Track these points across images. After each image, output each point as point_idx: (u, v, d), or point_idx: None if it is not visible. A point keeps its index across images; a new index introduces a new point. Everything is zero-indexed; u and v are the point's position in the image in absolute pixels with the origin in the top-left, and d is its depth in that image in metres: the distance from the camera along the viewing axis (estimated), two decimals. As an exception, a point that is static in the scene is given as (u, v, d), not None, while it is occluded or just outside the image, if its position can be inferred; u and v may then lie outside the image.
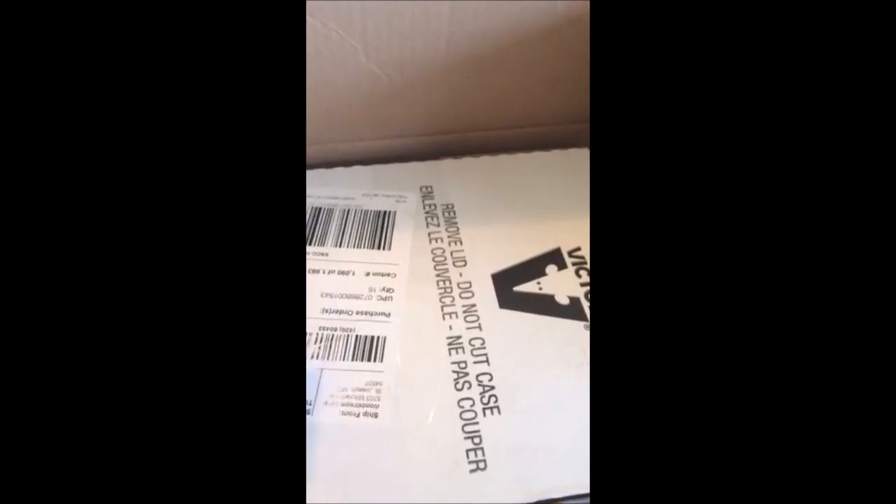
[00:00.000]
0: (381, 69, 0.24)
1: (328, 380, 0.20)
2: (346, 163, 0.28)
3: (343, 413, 0.19)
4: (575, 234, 0.25)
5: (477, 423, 0.19)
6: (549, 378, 0.21)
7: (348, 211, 0.26)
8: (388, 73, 0.25)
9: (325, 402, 0.20)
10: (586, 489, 0.18)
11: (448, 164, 0.29)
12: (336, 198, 0.27)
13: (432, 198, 0.27)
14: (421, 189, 0.27)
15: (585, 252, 0.25)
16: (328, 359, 0.21)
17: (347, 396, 0.20)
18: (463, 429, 0.19)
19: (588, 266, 0.24)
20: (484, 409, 0.20)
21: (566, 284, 0.24)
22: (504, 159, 0.29)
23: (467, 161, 0.29)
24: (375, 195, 0.27)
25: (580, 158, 0.29)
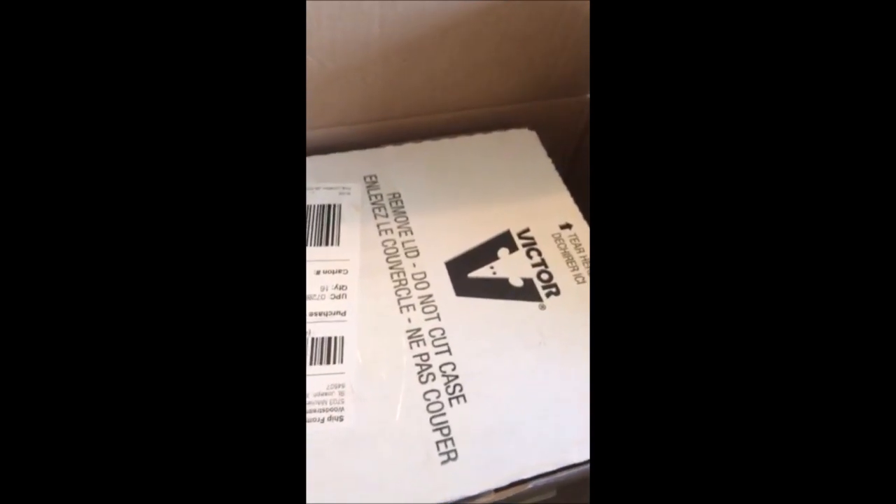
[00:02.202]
0: (310, 54, 0.23)
1: (287, 387, 0.19)
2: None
3: (307, 420, 0.19)
4: (522, 215, 0.26)
5: (444, 413, 0.19)
6: (510, 361, 0.21)
7: (290, 207, 0.25)
8: (318, 59, 0.23)
9: (287, 411, 0.19)
10: (554, 467, 0.19)
11: (389, 151, 0.28)
12: (275, 194, 0.25)
13: (377, 188, 0.26)
14: (365, 179, 0.26)
15: (534, 233, 0.25)
16: (285, 366, 0.20)
17: (310, 402, 0.19)
18: (431, 421, 0.19)
19: (538, 246, 0.25)
20: (450, 399, 0.20)
21: (518, 266, 0.24)
22: (446, 144, 0.29)
23: (409, 147, 0.28)
24: (317, 188, 0.26)
25: (522, 139, 0.29)
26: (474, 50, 0.26)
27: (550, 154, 0.29)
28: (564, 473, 0.19)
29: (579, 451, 0.19)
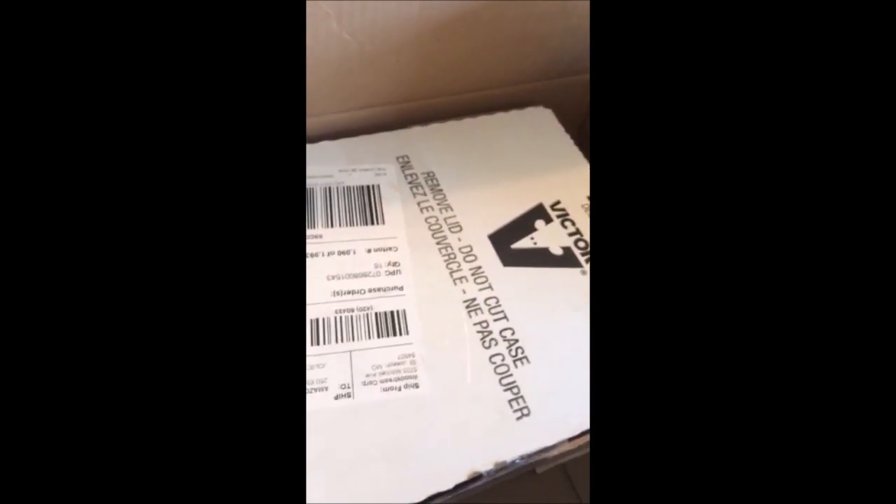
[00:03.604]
0: (352, 36, 0.23)
1: (359, 360, 0.20)
2: (311, 139, 0.27)
3: (384, 389, 0.19)
4: (552, 188, 0.27)
5: (511, 375, 0.20)
6: (562, 323, 0.22)
7: (329, 189, 0.25)
8: (359, 41, 0.23)
9: (364, 383, 0.19)
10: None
11: (417, 132, 0.28)
12: (313, 177, 0.25)
13: (411, 167, 0.27)
14: (398, 159, 0.27)
15: (565, 204, 0.26)
16: (353, 340, 0.20)
17: (384, 373, 0.20)
18: (500, 382, 0.20)
19: (570, 217, 0.26)
20: (514, 361, 0.21)
21: (556, 236, 0.25)
22: (470, 123, 0.29)
23: (435, 128, 0.29)
24: (354, 170, 0.26)
25: (539, 116, 0.30)
26: (498, 30, 0.27)
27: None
28: (628, 420, 0.20)
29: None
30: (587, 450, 0.27)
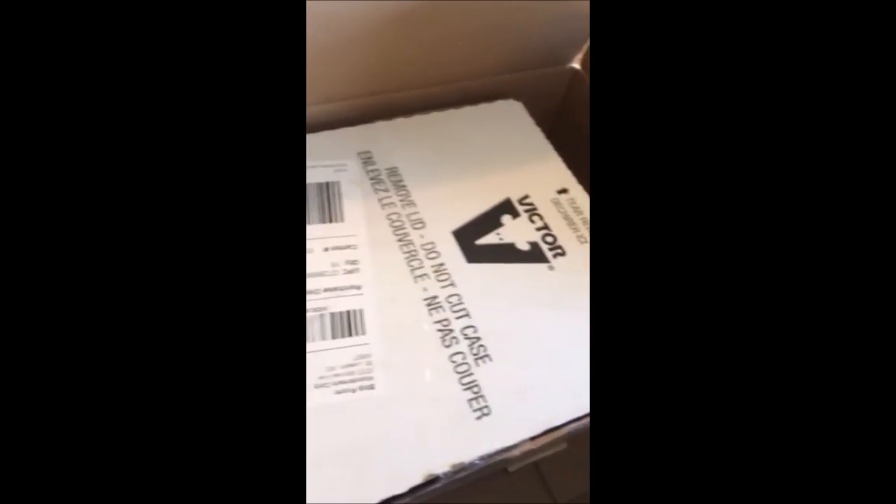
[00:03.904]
0: (307, 25, 0.22)
1: (312, 362, 0.19)
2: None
3: (338, 392, 0.19)
4: (520, 183, 0.26)
5: (472, 374, 0.20)
6: (527, 320, 0.22)
7: (288, 186, 0.24)
8: (313, 30, 0.23)
9: (316, 385, 0.19)
10: (584, 412, 0.20)
11: (381, 126, 0.28)
12: (271, 174, 0.25)
13: (373, 163, 0.26)
14: (359, 155, 0.26)
15: (534, 199, 0.26)
16: (306, 342, 0.20)
17: (337, 374, 0.19)
18: (460, 381, 0.20)
19: (539, 211, 0.25)
20: (476, 360, 0.20)
21: (523, 231, 0.25)
22: (436, 117, 0.29)
23: (400, 122, 0.28)
24: (313, 166, 0.25)
25: (509, 109, 0.30)
26: (464, 20, 0.26)
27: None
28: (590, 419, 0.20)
29: (603, 396, 0.20)
30: (559, 447, 0.26)
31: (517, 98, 0.31)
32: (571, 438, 0.26)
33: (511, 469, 0.26)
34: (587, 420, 0.20)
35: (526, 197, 0.26)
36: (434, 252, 0.23)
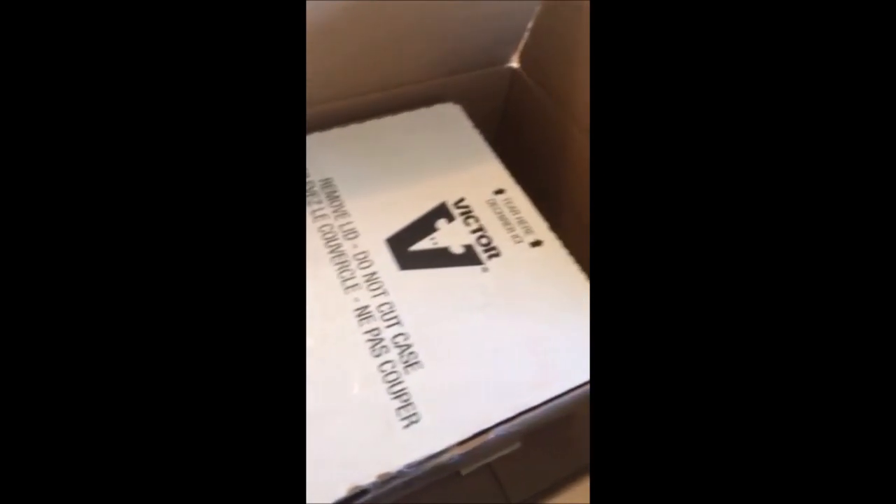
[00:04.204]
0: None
1: (240, 381, 0.19)
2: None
3: (264, 409, 0.19)
4: (456, 186, 0.26)
5: (402, 382, 0.20)
6: (459, 323, 0.22)
7: (220, 205, 0.24)
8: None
9: (242, 404, 0.19)
10: (514, 412, 0.20)
11: (316, 138, 0.28)
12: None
13: (307, 175, 0.26)
14: (294, 168, 0.26)
15: (469, 202, 0.26)
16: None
17: (265, 392, 0.19)
18: (389, 391, 0.20)
19: (474, 214, 0.25)
20: (406, 367, 0.20)
21: (458, 235, 0.25)
22: (373, 125, 0.29)
23: (336, 133, 0.28)
24: (246, 183, 0.25)
25: (447, 113, 0.30)
26: (396, 24, 0.26)
27: (476, 124, 0.29)
28: (523, 417, 0.20)
29: (535, 394, 0.20)
30: (513, 447, 0.26)
31: (458, 101, 0.31)
32: (525, 437, 0.26)
33: (464, 472, 0.26)
34: (520, 419, 0.20)
35: (462, 200, 0.26)
36: (367, 261, 0.23)
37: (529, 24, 0.31)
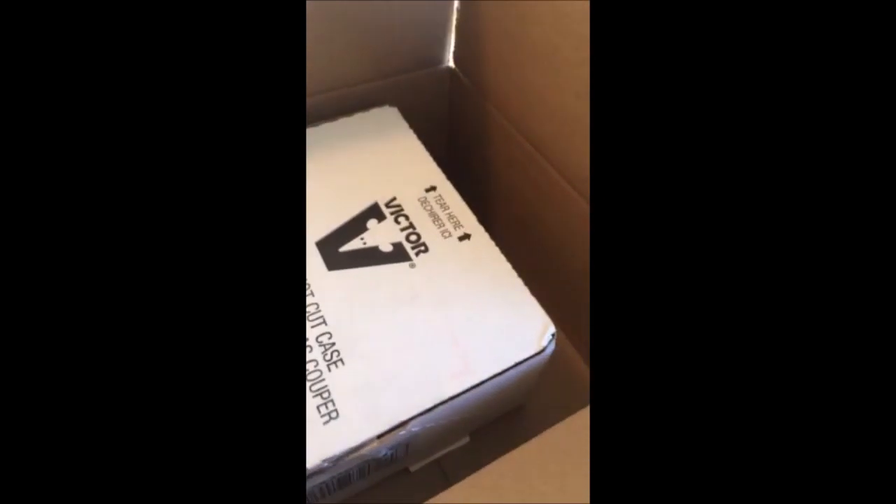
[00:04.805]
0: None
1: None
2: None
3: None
4: (389, 186, 0.27)
5: (323, 380, 0.20)
6: (384, 320, 0.22)
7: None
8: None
9: (164, 410, 0.19)
10: (431, 403, 0.20)
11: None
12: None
13: (242, 185, 0.27)
14: (228, 179, 0.27)
15: (401, 200, 0.26)
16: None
17: (187, 397, 0.19)
18: (310, 389, 0.20)
19: (405, 212, 0.26)
20: (328, 366, 0.21)
21: (388, 233, 0.25)
22: (310, 132, 0.29)
23: (272, 142, 0.29)
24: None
25: (384, 116, 0.30)
26: (329, 26, 0.27)
27: (420, 125, 0.30)
28: (442, 408, 0.20)
29: (454, 384, 0.20)
30: (461, 442, 0.26)
31: (398, 104, 0.31)
32: (473, 433, 0.27)
33: (413, 469, 0.26)
34: (438, 409, 0.20)
35: (393, 199, 0.26)
36: (295, 265, 0.24)
37: (452, 24, 0.31)
